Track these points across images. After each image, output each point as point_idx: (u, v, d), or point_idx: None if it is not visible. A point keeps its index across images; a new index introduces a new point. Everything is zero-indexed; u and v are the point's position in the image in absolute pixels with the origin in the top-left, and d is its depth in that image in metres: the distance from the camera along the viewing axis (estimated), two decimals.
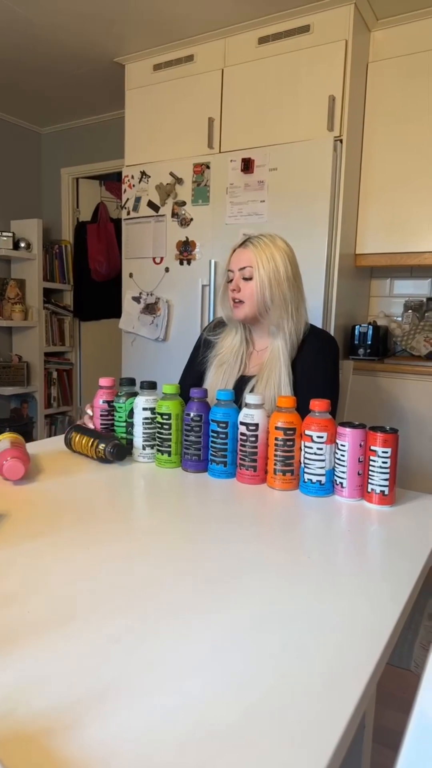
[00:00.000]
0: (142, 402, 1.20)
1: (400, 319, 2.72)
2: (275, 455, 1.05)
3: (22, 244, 3.58)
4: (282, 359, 1.31)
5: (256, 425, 1.07)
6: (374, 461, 0.96)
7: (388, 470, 0.95)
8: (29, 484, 1.03)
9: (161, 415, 1.17)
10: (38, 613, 0.59)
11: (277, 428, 1.04)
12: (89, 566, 0.71)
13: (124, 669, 0.51)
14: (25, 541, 0.77)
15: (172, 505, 0.96)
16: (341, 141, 2.30)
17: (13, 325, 3.58)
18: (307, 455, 1.02)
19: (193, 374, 1.48)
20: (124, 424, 1.24)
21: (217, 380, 1.38)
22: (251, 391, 1.30)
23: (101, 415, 1.28)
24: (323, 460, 1.01)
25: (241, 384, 1.35)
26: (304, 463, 1.02)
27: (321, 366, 1.33)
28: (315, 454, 1.01)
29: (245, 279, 1.32)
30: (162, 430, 1.17)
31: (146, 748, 0.42)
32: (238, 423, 1.10)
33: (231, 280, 1.35)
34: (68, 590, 0.64)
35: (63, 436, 1.28)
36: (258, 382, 1.31)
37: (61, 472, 1.11)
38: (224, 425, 1.11)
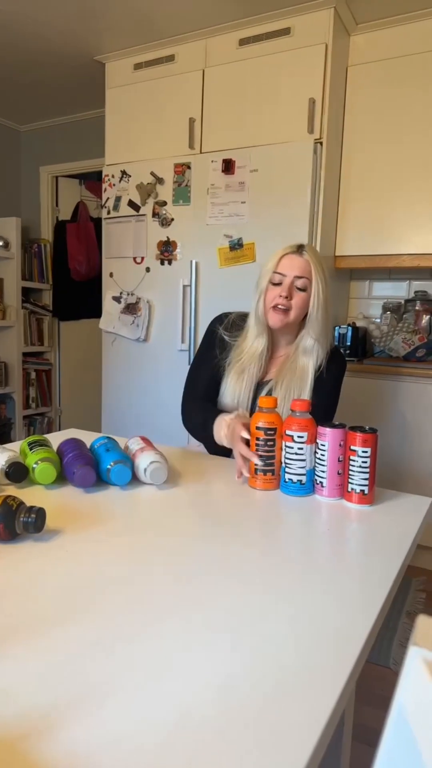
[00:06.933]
0: None
1: (378, 320, 2.76)
2: None
3: (0, 243, 3.53)
4: (309, 376, 1.30)
5: None
6: (354, 461, 0.97)
7: (367, 470, 0.96)
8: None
9: None
10: (16, 616, 0.58)
11: (257, 428, 1.05)
12: (63, 568, 0.70)
13: (101, 672, 0.50)
14: (4, 545, 0.76)
15: (149, 506, 0.95)
16: (321, 143, 2.31)
17: None
18: (287, 455, 1.02)
19: (208, 372, 1.40)
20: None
21: (238, 388, 1.34)
22: (268, 394, 1.29)
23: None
24: (304, 460, 1.01)
25: (257, 389, 1.34)
26: (285, 463, 1.03)
27: (333, 379, 1.35)
28: (296, 454, 1.01)
29: (298, 289, 1.28)
30: None
31: (125, 751, 0.41)
32: None
33: (278, 284, 1.30)
34: (44, 592, 0.64)
35: None
36: (275, 387, 1.30)
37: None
38: None
